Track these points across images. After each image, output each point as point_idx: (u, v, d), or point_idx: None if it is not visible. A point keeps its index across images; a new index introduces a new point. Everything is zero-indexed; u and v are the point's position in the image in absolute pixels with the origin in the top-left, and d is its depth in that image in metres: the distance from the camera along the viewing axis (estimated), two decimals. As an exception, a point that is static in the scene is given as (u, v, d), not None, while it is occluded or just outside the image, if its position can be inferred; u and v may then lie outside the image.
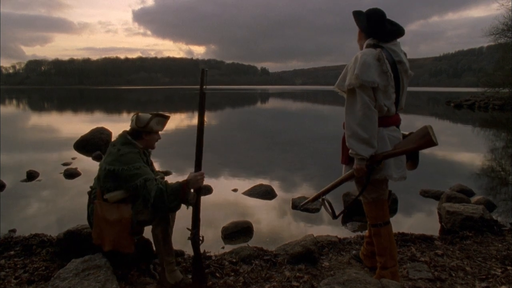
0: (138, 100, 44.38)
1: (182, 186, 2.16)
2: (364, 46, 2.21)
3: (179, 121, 19.14)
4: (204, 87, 2.14)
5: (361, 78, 1.99)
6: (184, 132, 14.64)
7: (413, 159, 2.26)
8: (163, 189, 2.06)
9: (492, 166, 6.75)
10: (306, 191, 4.78)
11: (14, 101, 34.73)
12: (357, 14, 2.24)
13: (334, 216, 2.35)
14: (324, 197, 2.39)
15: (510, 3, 25.51)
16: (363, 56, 2.05)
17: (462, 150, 8.40)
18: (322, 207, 3.05)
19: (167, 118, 2.43)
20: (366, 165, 2.05)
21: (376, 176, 2.13)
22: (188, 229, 2.23)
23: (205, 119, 2.23)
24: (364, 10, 2.26)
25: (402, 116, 2.31)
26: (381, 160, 2.06)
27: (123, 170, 2.07)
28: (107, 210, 2.12)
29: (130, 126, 2.29)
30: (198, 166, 2.24)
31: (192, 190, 2.24)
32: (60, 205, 4.13)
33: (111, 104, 31.85)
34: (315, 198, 2.46)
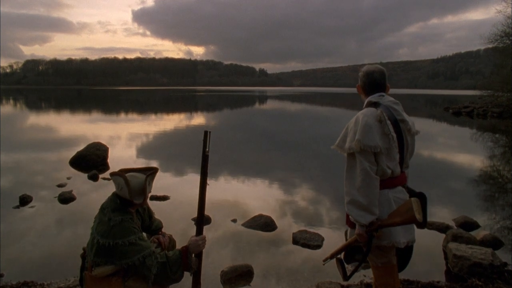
0: (137, 100, 44.29)
1: (183, 253, 2.05)
2: (365, 104, 2.17)
3: (177, 122, 19.11)
4: (207, 149, 2.02)
5: (362, 142, 1.92)
6: (182, 132, 14.57)
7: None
8: (165, 263, 1.94)
9: (496, 189, 6.66)
10: (307, 221, 4.66)
11: (11, 102, 34.45)
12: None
13: (346, 278, 2.26)
14: (339, 256, 2.29)
15: (509, 9, 25.59)
16: (364, 118, 1.99)
17: (464, 165, 8.31)
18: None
19: (155, 171, 2.27)
20: (366, 232, 1.98)
21: (383, 243, 2.05)
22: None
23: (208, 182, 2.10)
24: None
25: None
26: (377, 228, 1.99)
27: (116, 244, 1.93)
28: (98, 286, 1.98)
29: (118, 193, 2.12)
30: (199, 230, 2.13)
31: (193, 255, 2.12)
32: (53, 240, 3.96)
33: (110, 106, 31.66)
34: (332, 257, 2.36)
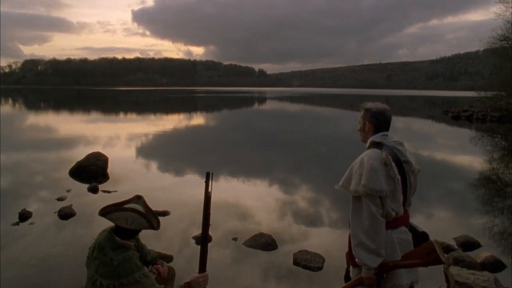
0: (136, 101, 44.27)
1: None
2: (368, 143, 2.16)
3: (177, 123, 19.11)
4: (209, 191, 2.00)
5: (368, 187, 1.94)
6: (183, 136, 14.54)
7: None
8: None
9: (497, 201, 6.66)
10: (308, 239, 4.65)
11: (10, 103, 34.32)
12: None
13: None
14: None
15: (508, 13, 25.63)
16: (369, 161, 1.99)
17: (464, 174, 8.28)
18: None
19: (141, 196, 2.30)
20: (374, 274, 1.99)
21: (387, 285, 2.07)
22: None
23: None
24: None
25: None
26: (390, 270, 2.00)
27: (122, 284, 1.93)
28: None
29: (120, 226, 2.09)
30: (202, 267, 2.12)
31: None
32: (54, 262, 3.93)
33: (109, 107, 31.58)
34: None
